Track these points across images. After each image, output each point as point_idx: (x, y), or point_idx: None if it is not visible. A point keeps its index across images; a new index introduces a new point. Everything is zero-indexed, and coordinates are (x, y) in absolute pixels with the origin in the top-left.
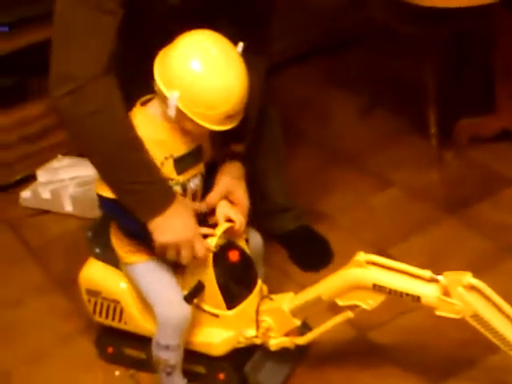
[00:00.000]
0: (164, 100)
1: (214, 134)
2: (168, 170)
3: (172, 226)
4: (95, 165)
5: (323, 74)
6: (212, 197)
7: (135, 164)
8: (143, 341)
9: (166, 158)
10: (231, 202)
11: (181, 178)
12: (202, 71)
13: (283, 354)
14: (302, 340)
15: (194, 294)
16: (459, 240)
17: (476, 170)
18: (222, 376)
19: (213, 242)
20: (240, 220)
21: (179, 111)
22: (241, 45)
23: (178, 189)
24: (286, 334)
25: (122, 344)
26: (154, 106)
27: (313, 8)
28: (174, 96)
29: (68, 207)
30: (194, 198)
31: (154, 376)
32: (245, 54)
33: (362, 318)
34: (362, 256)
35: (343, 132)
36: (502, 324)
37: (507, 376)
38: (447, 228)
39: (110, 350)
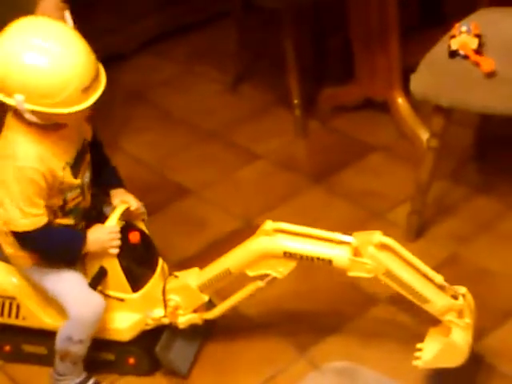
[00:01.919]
0: (15, 109)
1: None
2: (68, 178)
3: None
4: None
5: (188, 51)
6: None
7: None
8: (42, 335)
9: (64, 168)
10: None
11: (78, 180)
12: (31, 60)
13: (191, 331)
14: (210, 315)
15: (97, 281)
16: (326, 207)
17: (340, 138)
18: (131, 360)
19: (113, 222)
20: (137, 203)
21: (37, 112)
22: (67, 12)
23: (75, 192)
24: (194, 311)
25: (19, 341)
26: (22, 119)
27: None
28: (19, 101)
29: None
30: (89, 189)
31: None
32: None
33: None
34: (269, 225)
35: (209, 108)
36: (414, 279)
37: (386, 325)
38: (314, 196)
39: (8, 348)
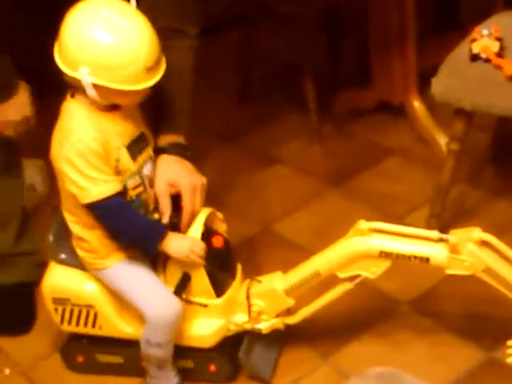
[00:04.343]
0: (79, 84)
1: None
2: (124, 159)
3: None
4: None
5: (201, 57)
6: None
7: None
8: (117, 344)
9: (119, 148)
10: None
11: (136, 166)
12: (100, 35)
13: (270, 337)
14: (292, 319)
15: (182, 287)
16: (344, 212)
17: (356, 141)
18: (212, 367)
19: (198, 233)
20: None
21: (99, 87)
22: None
23: (136, 180)
24: (277, 316)
25: (93, 351)
26: (80, 99)
27: None
28: (84, 73)
29: None
30: (150, 184)
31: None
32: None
33: None
34: (363, 224)
35: (225, 114)
36: None
37: (410, 330)
38: (332, 201)
39: (81, 359)
